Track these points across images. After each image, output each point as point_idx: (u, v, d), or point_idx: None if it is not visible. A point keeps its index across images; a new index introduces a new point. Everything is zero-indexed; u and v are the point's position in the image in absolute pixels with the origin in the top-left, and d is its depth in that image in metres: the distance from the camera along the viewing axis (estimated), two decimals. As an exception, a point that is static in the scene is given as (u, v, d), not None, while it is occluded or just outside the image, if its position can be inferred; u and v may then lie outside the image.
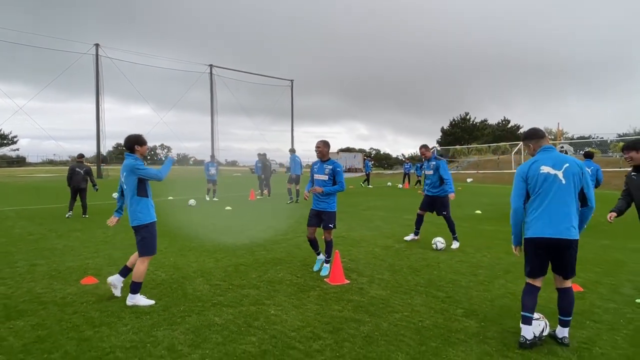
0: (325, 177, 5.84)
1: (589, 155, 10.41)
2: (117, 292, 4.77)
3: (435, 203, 7.87)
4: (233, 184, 28.41)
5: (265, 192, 18.31)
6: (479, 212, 13.03)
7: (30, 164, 68.55)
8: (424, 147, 7.99)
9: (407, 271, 6.03)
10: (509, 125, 65.54)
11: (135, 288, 4.56)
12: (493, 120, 67.63)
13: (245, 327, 3.96)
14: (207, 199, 16.51)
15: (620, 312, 4.46)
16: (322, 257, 6.11)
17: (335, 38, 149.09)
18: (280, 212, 12.94)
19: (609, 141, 42.46)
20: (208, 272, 5.88)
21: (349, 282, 5.46)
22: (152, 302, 4.59)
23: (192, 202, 14.80)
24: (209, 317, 4.20)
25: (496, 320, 4.20)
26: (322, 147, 5.88)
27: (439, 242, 7.43)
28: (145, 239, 4.61)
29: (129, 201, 4.62)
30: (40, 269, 5.98)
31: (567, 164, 3.55)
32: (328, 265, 5.88)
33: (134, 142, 4.65)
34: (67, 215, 11.28)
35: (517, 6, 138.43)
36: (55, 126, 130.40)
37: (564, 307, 3.64)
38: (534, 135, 3.80)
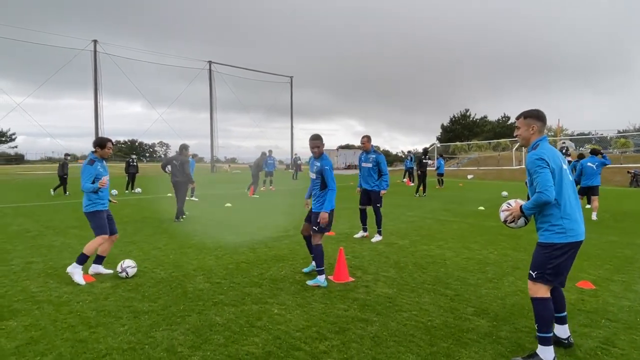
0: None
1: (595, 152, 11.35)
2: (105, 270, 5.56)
3: (371, 196, 7.87)
4: (232, 180, 28.21)
5: (271, 187, 19.63)
6: (482, 208, 12.87)
7: (28, 162, 68.25)
8: (366, 138, 7.89)
9: (412, 268, 5.87)
10: (509, 122, 65.33)
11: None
12: (493, 117, 67.50)
13: (247, 327, 3.80)
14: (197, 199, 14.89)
15: (636, 310, 4.30)
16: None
17: (331, 35, 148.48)
18: (279, 208, 12.77)
19: (608, 137, 42.28)
20: (209, 269, 5.72)
21: (353, 279, 5.30)
22: (83, 282, 5.06)
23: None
24: (210, 317, 4.04)
25: (508, 319, 4.05)
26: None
27: None
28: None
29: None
30: (36, 267, 5.82)
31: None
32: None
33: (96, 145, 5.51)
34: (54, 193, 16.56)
35: (516, 1, 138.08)
36: (52, 123, 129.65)
37: (561, 303, 3.39)
38: (544, 118, 3.32)
